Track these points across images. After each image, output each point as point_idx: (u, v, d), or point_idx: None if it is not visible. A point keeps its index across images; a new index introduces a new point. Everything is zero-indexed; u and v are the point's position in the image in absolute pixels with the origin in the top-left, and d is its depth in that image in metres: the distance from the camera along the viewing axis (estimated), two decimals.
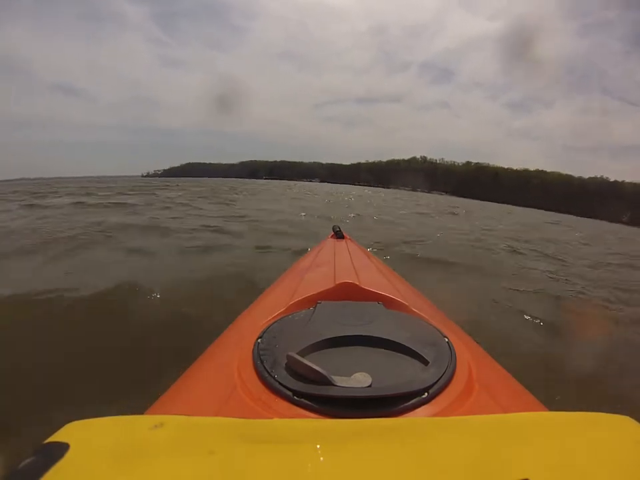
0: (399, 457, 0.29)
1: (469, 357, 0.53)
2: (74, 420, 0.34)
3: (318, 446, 0.29)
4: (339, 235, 1.72)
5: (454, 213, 12.12)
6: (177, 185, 19.50)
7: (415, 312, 0.70)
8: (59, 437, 0.31)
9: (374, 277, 1.00)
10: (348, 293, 0.74)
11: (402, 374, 0.46)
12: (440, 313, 0.83)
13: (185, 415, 0.35)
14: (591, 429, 0.33)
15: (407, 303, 0.72)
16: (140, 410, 0.46)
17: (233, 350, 0.57)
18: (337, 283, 0.77)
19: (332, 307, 0.67)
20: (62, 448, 0.29)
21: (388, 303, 0.72)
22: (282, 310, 0.69)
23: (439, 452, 0.29)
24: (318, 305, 0.68)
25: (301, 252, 2.41)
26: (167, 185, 19.38)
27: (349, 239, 1.71)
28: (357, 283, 0.76)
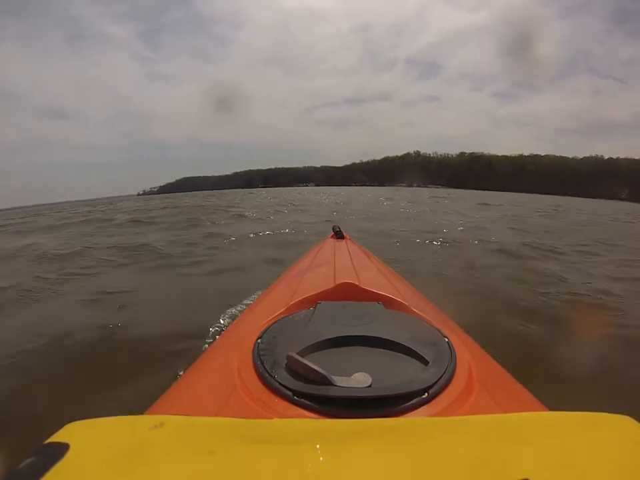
0: (399, 457, 0.29)
1: (469, 356, 0.53)
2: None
3: (318, 446, 0.29)
4: (338, 235, 1.70)
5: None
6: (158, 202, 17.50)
7: (414, 312, 0.69)
8: (59, 437, 0.31)
9: (374, 277, 1.00)
10: (348, 293, 0.74)
11: (402, 374, 0.46)
12: (440, 312, 0.83)
13: (185, 415, 0.35)
14: (591, 428, 0.33)
15: (406, 303, 0.72)
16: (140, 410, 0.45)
17: (232, 350, 0.57)
18: (337, 283, 0.76)
19: (332, 307, 0.67)
20: (62, 448, 0.29)
21: (388, 303, 0.71)
22: (282, 310, 0.69)
23: (439, 452, 0.29)
24: (318, 305, 0.68)
25: None
26: (148, 204, 16.75)
27: (349, 239, 1.70)
28: (357, 283, 0.76)
